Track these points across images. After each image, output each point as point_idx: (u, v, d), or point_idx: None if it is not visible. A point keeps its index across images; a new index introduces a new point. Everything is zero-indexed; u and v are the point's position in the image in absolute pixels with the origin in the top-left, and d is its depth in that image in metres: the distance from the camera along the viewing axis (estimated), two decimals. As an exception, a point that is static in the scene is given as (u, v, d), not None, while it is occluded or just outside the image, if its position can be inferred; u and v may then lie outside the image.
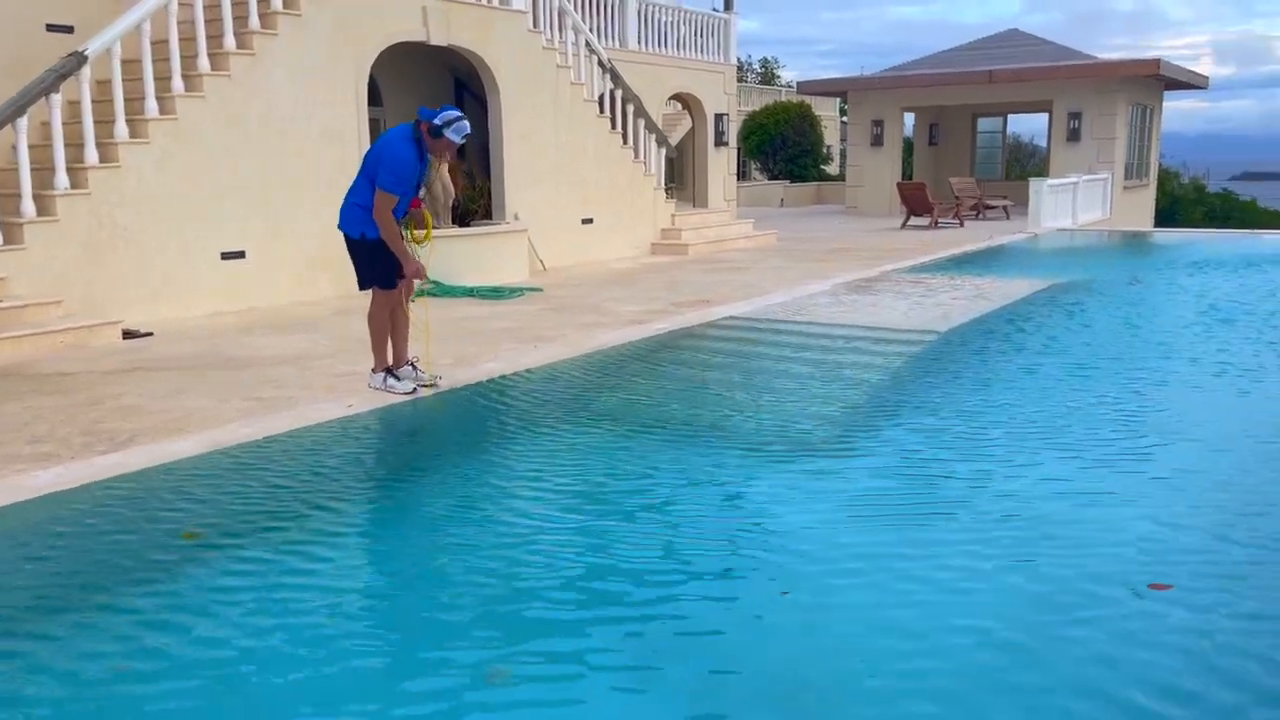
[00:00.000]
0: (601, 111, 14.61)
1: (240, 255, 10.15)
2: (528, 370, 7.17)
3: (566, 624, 3.39)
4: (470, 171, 13.24)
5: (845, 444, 5.47)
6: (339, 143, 10.97)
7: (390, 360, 6.51)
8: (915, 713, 2.83)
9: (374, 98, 13.34)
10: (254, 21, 10.19)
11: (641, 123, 15.32)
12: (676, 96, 18.92)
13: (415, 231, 6.46)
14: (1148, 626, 3.30)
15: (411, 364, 6.58)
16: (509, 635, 3.29)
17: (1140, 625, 3.31)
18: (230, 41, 10.01)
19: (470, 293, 10.97)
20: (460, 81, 14.66)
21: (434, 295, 10.95)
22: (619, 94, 14.91)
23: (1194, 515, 4.33)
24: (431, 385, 6.51)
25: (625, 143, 14.97)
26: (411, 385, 6.40)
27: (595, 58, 14.64)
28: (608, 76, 14.79)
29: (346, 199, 6.27)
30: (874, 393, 6.63)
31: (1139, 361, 7.55)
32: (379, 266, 6.25)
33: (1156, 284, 12.06)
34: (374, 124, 13.61)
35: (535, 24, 13.57)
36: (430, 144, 6.05)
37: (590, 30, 15.18)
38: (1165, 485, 4.78)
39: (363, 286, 6.47)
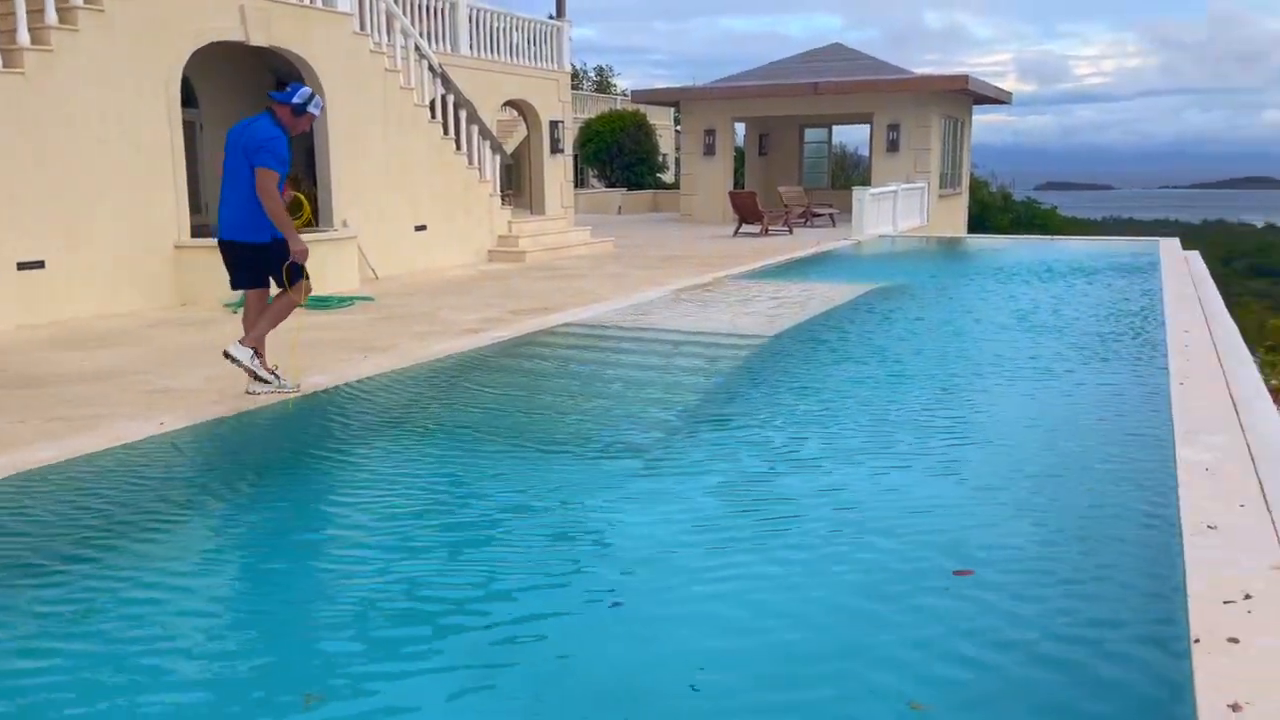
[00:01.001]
0: (433, 117, 14.37)
1: (39, 265, 9.45)
2: (358, 381, 6.96)
3: (396, 639, 3.29)
4: (295, 176, 12.76)
5: (679, 449, 5.54)
6: (148, 146, 10.37)
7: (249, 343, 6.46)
8: (745, 704, 2.91)
9: (190, 99, 12.70)
10: (51, 16, 9.52)
11: (475, 129, 15.16)
12: (511, 103, 18.81)
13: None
14: (953, 608, 3.49)
15: (273, 371, 6.59)
16: (336, 651, 3.17)
17: (948, 607, 3.49)
18: (24, 37, 9.32)
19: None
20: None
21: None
22: (451, 99, 14.70)
23: (996, 508, 4.60)
24: (295, 390, 6.59)
25: (459, 149, 14.77)
26: (287, 384, 6.52)
27: (425, 62, 14.39)
28: (439, 81, 14.56)
29: (234, 208, 6.27)
30: (707, 397, 6.75)
31: (953, 362, 7.97)
32: (281, 265, 6.35)
33: (969, 287, 12.79)
34: (189, 127, 12.95)
35: (362, 26, 13.23)
36: (292, 124, 6.25)
37: (420, 34, 14.91)
38: (975, 480, 5.05)
39: (280, 286, 6.48)
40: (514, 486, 4.86)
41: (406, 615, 3.51)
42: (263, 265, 6.43)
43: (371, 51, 13.16)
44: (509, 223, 15.89)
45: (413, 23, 14.88)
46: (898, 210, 21.69)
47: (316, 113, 6.34)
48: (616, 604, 3.59)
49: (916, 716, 2.85)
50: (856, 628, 3.41)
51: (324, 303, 10.51)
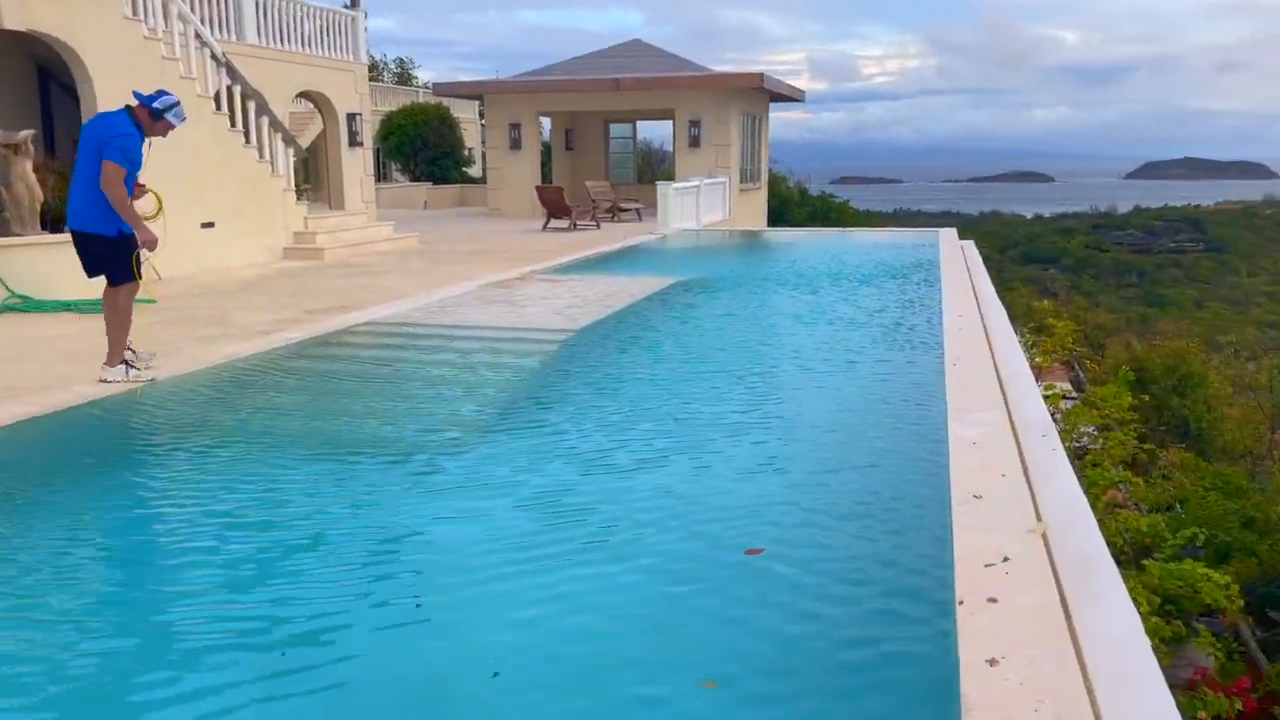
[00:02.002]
0: (219, 109, 13.62)
1: None
2: (135, 389, 6.51)
3: (194, 649, 3.15)
4: (62, 170, 11.80)
5: (482, 449, 5.48)
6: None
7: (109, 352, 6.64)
8: (548, 693, 2.92)
9: (-67, 85, 11.55)
10: None
11: (265, 121, 14.47)
12: (305, 95, 18.07)
13: (138, 205, 6.64)
14: (746, 586, 3.62)
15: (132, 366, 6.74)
16: (136, 663, 2.97)
17: (741, 586, 3.63)
18: None
19: (68, 306, 9.79)
20: (47, 71, 13.04)
21: (23, 311, 9.69)
22: (238, 90, 13.97)
23: (787, 490, 4.81)
24: (152, 380, 6.70)
25: (248, 142, 14.06)
26: (149, 373, 6.62)
27: (208, 51, 13.61)
28: (223, 71, 13.81)
29: (81, 199, 6.38)
30: (511, 395, 6.72)
31: (750, 352, 8.26)
32: (130, 257, 6.47)
33: (767, 280, 13.27)
34: (-65, 116, 11.80)
35: (134, 11, 12.36)
36: (149, 126, 6.45)
37: (201, 21, 14.08)
38: (767, 464, 5.26)
39: (119, 282, 6.56)
40: (310, 494, 4.68)
41: (202, 625, 3.34)
42: (106, 258, 6.50)
43: (146, 38, 12.33)
44: (305, 219, 15.27)
45: (192, 8, 14.03)
46: (701, 205, 22.24)
47: (176, 123, 6.53)
48: (419, 604, 3.53)
49: (708, 694, 2.95)
50: (656, 613, 3.49)
51: (96, 306, 9.76)
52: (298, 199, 15.33)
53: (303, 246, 14.83)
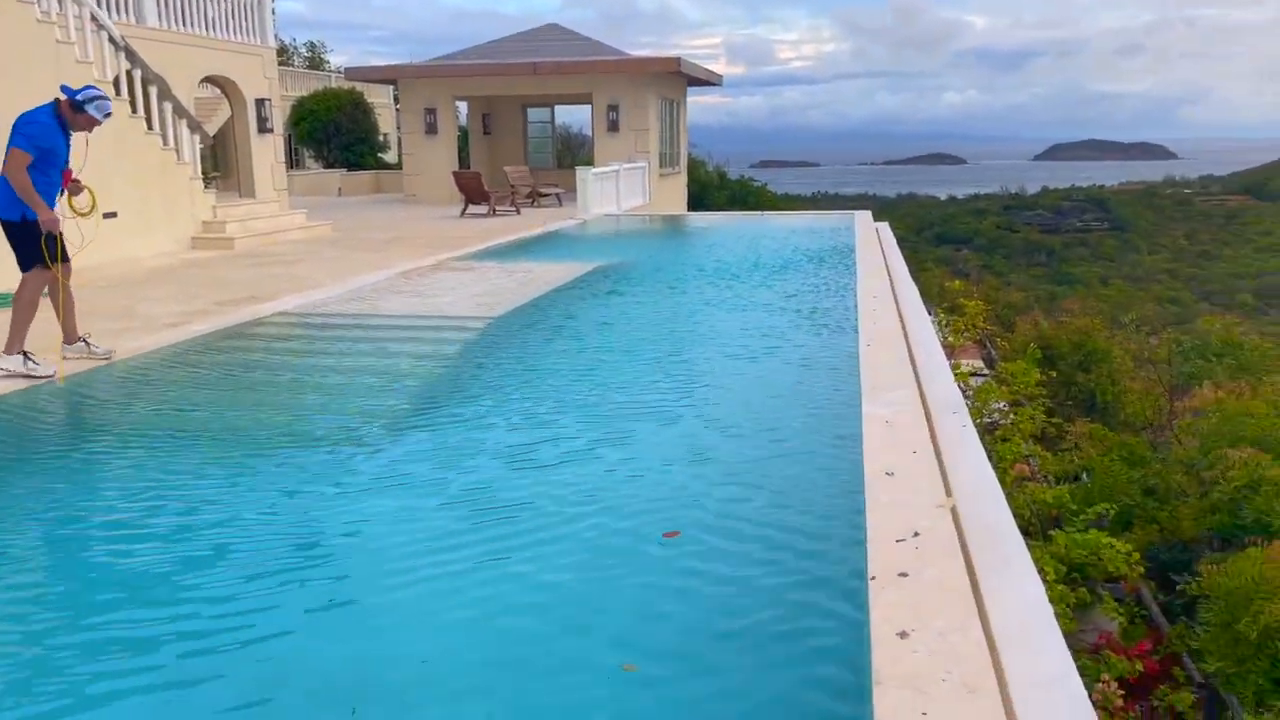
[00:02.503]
0: (119, 94, 13.13)
1: None
2: (36, 387, 6.28)
3: (110, 645, 3.06)
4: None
5: (399, 440, 5.41)
6: None
7: (62, 337, 6.82)
8: (472, 684, 2.92)
9: None
10: None
11: (169, 107, 14.01)
12: (211, 80, 17.53)
13: (74, 200, 6.80)
14: (667, 572, 3.65)
15: (84, 340, 6.94)
16: (47, 662, 2.87)
17: (661, 572, 3.66)
18: None
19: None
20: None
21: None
22: (138, 75, 13.49)
23: (707, 474, 4.85)
24: (106, 359, 6.88)
25: (150, 128, 13.60)
26: (52, 369, 6.48)
27: (105, 34, 13.10)
28: (122, 55, 13.32)
29: None
30: (428, 385, 6.64)
31: (670, 338, 8.30)
32: (36, 244, 6.47)
33: (687, 264, 13.34)
34: None
35: (25, -9, 11.82)
36: (72, 119, 6.53)
37: (97, 4, 13.54)
38: (687, 450, 5.29)
39: (27, 268, 6.60)
40: (223, 490, 4.57)
41: (118, 625, 3.26)
42: (12, 242, 6.57)
43: (38, 21, 11.81)
44: (214, 207, 14.84)
45: (88, -11, 13.49)
46: (621, 190, 22.22)
47: (99, 116, 6.58)
48: (334, 601, 3.49)
49: (629, 677, 2.97)
50: (579, 604, 3.50)
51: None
52: (205, 187, 14.89)
53: (212, 236, 14.42)
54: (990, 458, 8.24)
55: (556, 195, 23.43)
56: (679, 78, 27.10)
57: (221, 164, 22.01)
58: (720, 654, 3.12)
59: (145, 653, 3.12)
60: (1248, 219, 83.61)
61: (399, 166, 30.93)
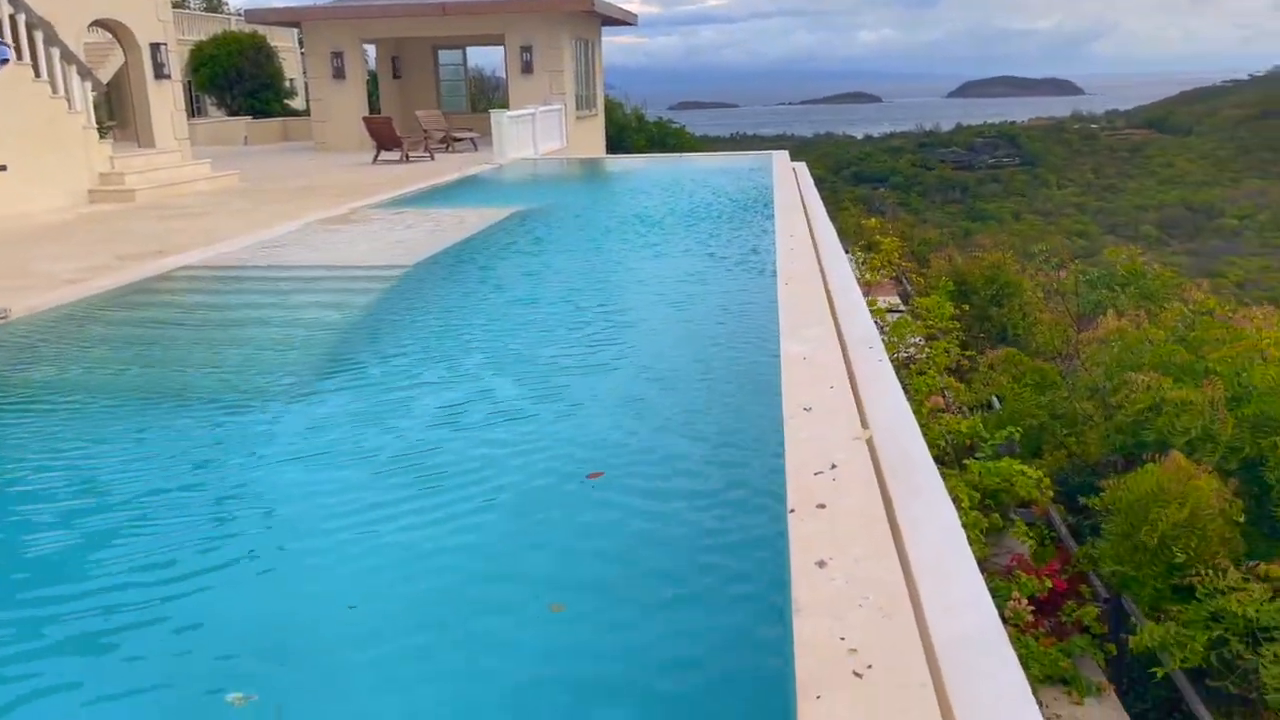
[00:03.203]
0: (1, 39, 12.42)
1: None
2: (-76, 351, 6.00)
3: (34, 615, 2.98)
4: None
5: (317, 392, 5.31)
6: None
7: None
8: (399, 627, 2.91)
9: None
10: None
11: (56, 52, 13.31)
12: (100, 24, 16.69)
13: None
14: (592, 511, 3.68)
15: None
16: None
17: (587, 511, 3.68)
18: None
19: None
20: None
21: None
22: (21, 19, 12.77)
23: (632, 414, 4.87)
24: (4, 317, 6.54)
25: (38, 76, 12.92)
26: None
27: (-17, -26, 12.35)
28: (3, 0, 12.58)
29: None
30: (344, 336, 6.52)
31: (591, 281, 8.25)
32: None
33: (605, 207, 13.25)
34: None
35: (-110, -71, 11.06)
36: None
37: (-28, -60, 12.73)
38: (611, 391, 5.30)
39: None
40: (133, 449, 4.45)
41: (28, 587, 3.17)
42: None
43: (-94, -40, 11.08)
44: (111, 159, 14.23)
45: (-40, -74, 12.67)
46: (537, 133, 21.89)
47: None
48: (254, 553, 3.44)
49: (557, 617, 2.99)
50: (505, 548, 3.50)
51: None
52: (101, 137, 14.25)
53: (111, 189, 13.84)
54: (906, 391, 8.43)
55: (471, 140, 22.99)
56: (593, 17, 26.66)
57: (118, 113, 21.07)
58: (644, 584, 3.16)
59: (59, 619, 3.05)
60: (1151, 152, 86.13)
61: (307, 113, 29.97)
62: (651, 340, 6.28)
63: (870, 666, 2.49)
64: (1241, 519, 6.05)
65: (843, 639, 2.60)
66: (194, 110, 28.47)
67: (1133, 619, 6.30)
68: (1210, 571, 5.23)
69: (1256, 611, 4.85)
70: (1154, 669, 5.27)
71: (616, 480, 3.94)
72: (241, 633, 2.97)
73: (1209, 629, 5.09)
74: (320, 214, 11.98)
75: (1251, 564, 5.54)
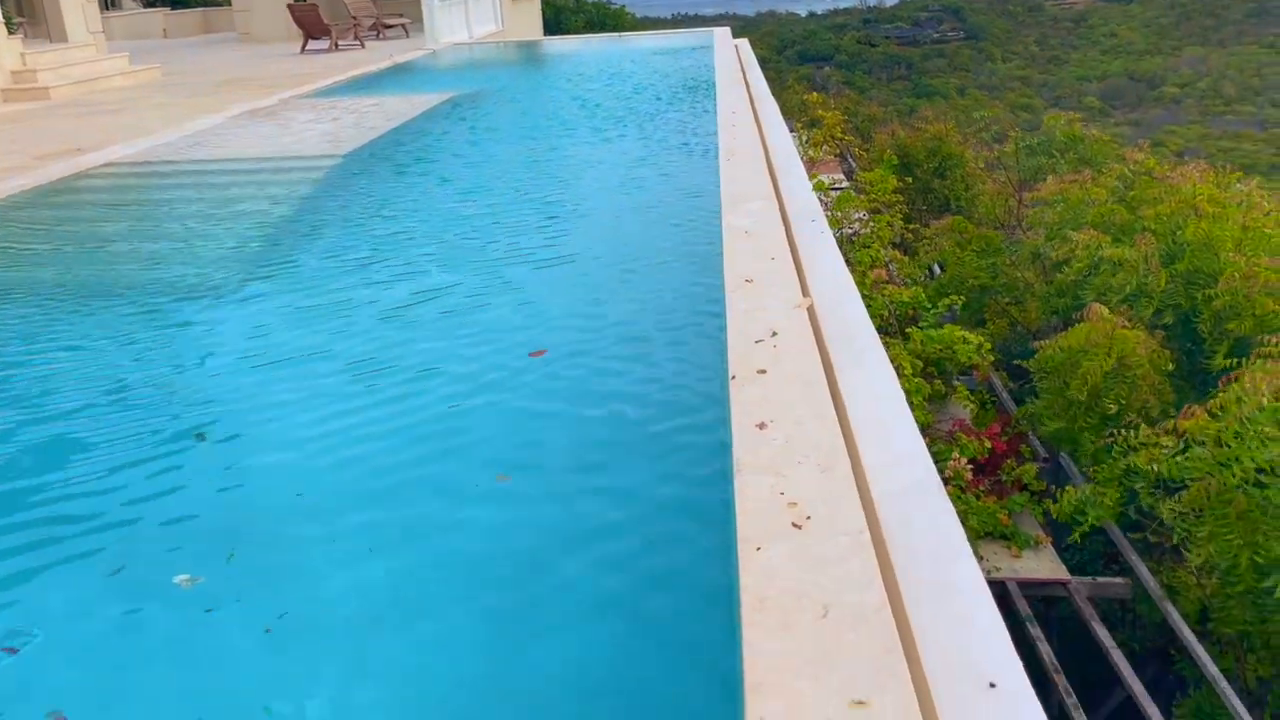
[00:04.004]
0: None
1: None
2: None
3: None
4: None
5: (246, 284, 5.20)
6: None
7: None
8: (346, 508, 2.94)
9: None
10: None
11: (-51, -60, 12.48)
12: (-5, -93, 15.63)
13: None
14: (538, 385, 3.69)
15: None
16: None
17: (529, 389, 3.69)
18: None
19: None
20: None
21: None
22: (-93, -97, 11.91)
23: (579, 292, 4.85)
24: None
25: (-68, -34, 12.14)
26: None
27: None
28: (-116, -121, 11.69)
29: None
30: (278, 228, 6.36)
31: (529, 164, 8.09)
32: None
33: (543, 90, 12.92)
34: None
35: None
36: None
37: None
38: (557, 272, 5.25)
39: None
40: (66, 343, 4.35)
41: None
42: None
43: None
44: (22, 55, 13.52)
45: None
46: (471, 17, 21.14)
47: None
48: (203, 434, 3.42)
49: (502, 487, 3.02)
50: (448, 430, 3.50)
51: None
52: (10, 33, 13.51)
53: (23, 87, 13.19)
54: (851, 265, 8.48)
55: (403, 26, 22.14)
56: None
57: (25, 8, 19.91)
58: (593, 451, 3.20)
59: (7, 510, 3.02)
60: (1094, 21, 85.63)
61: (229, 3, 28.58)
62: (595, 219, 6.21)
63: (809, 518, 2.55)
64: (1171, 368, 6.22)
65: (783, 494, 2.65)
66: (106, 2, 27.01)
67: (1071, 478, 6.54)
68: (1124, 431, 5.40)
69: (1163, 467, 5.03)
70: (1075, 526, 5.48)
71: (566, 352, 3.94)
72: (188, 518, 2.97)
73: (1122, 485, 5.28)
74: (246, 105, 11.55)
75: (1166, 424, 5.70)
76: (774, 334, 3.74)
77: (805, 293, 4.34)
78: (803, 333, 3.79)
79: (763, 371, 3.41)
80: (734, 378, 3.38)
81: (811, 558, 2.40)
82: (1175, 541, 4.81)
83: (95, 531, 2.93)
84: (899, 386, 3.54)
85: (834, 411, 3.18)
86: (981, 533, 6.28)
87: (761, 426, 3.01)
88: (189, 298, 4.94)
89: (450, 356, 4.09)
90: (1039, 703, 2.25)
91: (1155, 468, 4.99)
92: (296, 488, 3.14)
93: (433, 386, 3.82)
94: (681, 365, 3.81)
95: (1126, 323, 5.97)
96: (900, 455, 3.03)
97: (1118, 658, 5.31)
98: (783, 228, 5.31)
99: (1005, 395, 8.17)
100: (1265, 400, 4.27)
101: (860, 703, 1.97)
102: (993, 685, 2.36)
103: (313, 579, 2.73)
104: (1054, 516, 5.68)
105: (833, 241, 5.25)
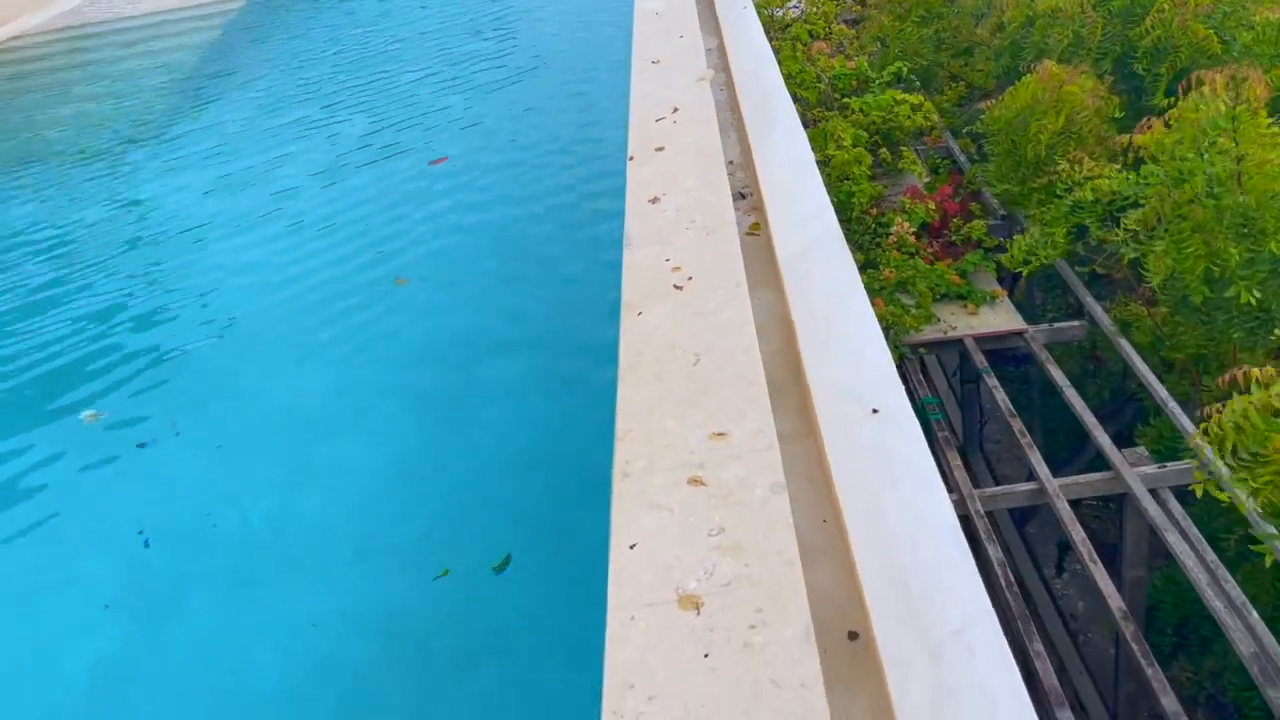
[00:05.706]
0: None
1: None
2: None
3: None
4: None
5: (172, 132, 5.14)
6: None
7: None
8: (285, 325, 3.05)
9: None
10: None
11: None
12: None
13: None
14: (441, 188, 3.70)
15: None
16: None
17: (438, 190, 3.70)
18: None
19: None
20: None
21: None
22: None
23: (490, 79, 4.77)
24: None
25: None
26: None
27: None
28: None
29: None
30: (192, 75, 6.20)
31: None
32: None
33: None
34: None
35: None
36: None
37: None
38: (474, 61, 5.15)
39: None
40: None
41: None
42: None
43: None
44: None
45: None
46: None
47: None
48: (138, 280, 3.49)
49: (399, 289, 3.12)
50: (364, 242, 3.56)
51: None
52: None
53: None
54: (797, 50, 8.21)
55: None
56: None
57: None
58: (503, 241, 3.27)
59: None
60: None
61: None
62: (512, 36, 6.03)
63: (690, 278, 2.62)
64: (1120, 114, 6.12)
65: (668, 260, 2.71)
66: None
67: (1019, 226, 6.54)
68: (1069, 165, 5.34)
69: (1116, 183, 5.02)
70: (1023, 269, 5.51)
71: (468, 156, 3.94)
72: (135, 330, 3.06)
73: (1069, 220, 5.28)
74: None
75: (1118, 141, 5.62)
76: (675, 110, 3.71)
77: (725, 68, 4.30)
78: (703, 106, 3.76)
79: (660, 149, 3.41)
80: (632, 158, 3.39)
81: (689, 313, 2.48)
82: (1126, 262, 4.85)
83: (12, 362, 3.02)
84: (809, 150, 3.55)
85: (725, 177, 3.20)
86: (937, 295, 6.34)
87: (654, 201, 3.05)
88: (113, 152, 4.91)
89: (366, 171, 4.09)
90: (919, 428, 2.38)
91: (1109, 185, 4.98)
92: (231, 313, 3.24)
93: (346, 200, 3.84)
94: (589, 145, 3.83)
95: (1076, 75, 5.83)
96: (805, 215, 3.07)
97: (1071, 395, 5.48)
98: (694, 9, 5.17)
99: (963, 159, 8.07)
100: (1222, 105, 4.22)
101: (720, 434, 2.09)
102: (875, 411, 2.49)
103: (258, 373, 2.87)
104: (1007, 266, 5.72)
105: (755, 16, 5.13)
